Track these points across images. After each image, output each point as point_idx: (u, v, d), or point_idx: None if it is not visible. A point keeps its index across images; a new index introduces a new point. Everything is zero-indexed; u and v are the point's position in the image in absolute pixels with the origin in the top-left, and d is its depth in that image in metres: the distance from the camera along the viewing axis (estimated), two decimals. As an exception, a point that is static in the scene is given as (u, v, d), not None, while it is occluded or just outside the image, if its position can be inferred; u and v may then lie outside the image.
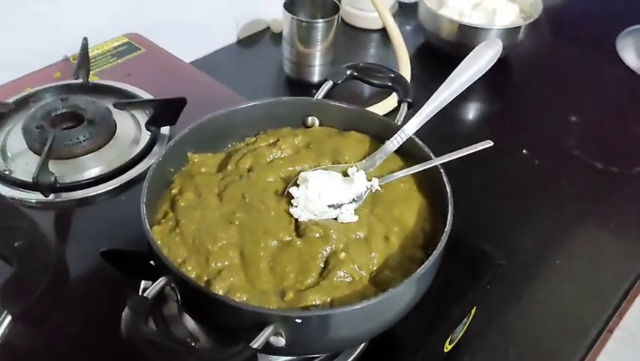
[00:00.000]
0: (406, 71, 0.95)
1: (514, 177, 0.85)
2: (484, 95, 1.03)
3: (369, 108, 0.82)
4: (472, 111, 1.00)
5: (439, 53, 1.04)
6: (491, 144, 0.50)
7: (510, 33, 1.01)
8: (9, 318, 0.33)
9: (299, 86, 0.99)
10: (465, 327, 0.62)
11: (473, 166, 0.83)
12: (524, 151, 0.89)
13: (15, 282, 0.34)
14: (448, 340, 0.59)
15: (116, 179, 0.68)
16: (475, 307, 0.61)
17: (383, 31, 1.00)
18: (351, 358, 0.53)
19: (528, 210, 0.81)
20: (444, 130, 0.89)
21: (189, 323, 0.54)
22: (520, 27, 1.01)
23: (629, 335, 1.62)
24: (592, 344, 0.67)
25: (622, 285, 0.73)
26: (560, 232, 0.78)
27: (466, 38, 0.99)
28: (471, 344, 0.63)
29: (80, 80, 0.79)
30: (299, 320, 0.40)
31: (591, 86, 1.06)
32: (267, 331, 0.39)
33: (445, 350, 0.60)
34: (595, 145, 0.92)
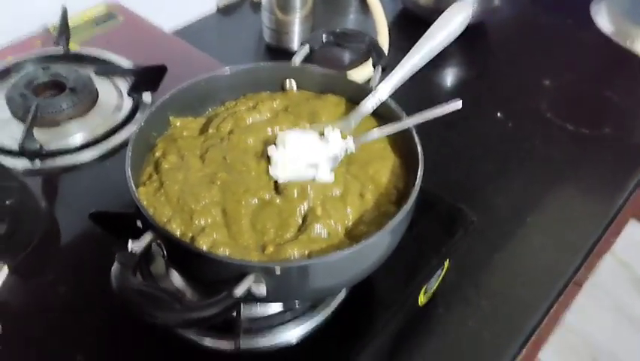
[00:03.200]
0: (384, 37, 0.97)
1: (488, 139, 0.88)
2: (460, 60, 1.05)
3: (351, 73, 0.84)
4: (448, 76, 1.02)
5: (417, 19, 1.04)
6: (460, 103, 0.52)
7: (486, -1, 1.03)
8: (5, 267, 0.35)
9: (279, 53, 1.00)
10: (439, 280, 0.66)
11: (449, 128, 0.86)
12: (499, 114, 0.92)
13: (9, 237, 0.37)
14: (423, 291, 0.62)
15: (100, 145, 0.70)
16: (448, 260, 0.65)
17: (362, -2, 1.02)
18: (330, 308, 0.56)
19: (502, 170, 0.84)
20: (421, 94, 0.91)
21: (176, 280, 0.57)
22: (496, -8, 1.03)
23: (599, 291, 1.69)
24: (558, 295, 0.71)
25: (589, 239, 0.77)
26: (532, 190, 0.81)
27: (443, 4, 0.97)
28: (445, 296, 0.67)
29: (60, 48, 0.80)
30: (278, 271, 0.43)
31: (565, 50, 1.08)
32: (249, 280, 0.42)
33: (420, 303, 0.64)
34: (567, 108, 0.95)
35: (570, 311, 1.43)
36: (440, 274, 0.65)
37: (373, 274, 0.51)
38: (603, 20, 1.13)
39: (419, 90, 0.90)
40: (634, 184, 0.84)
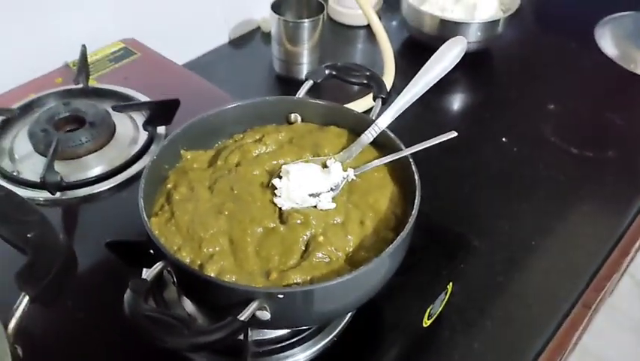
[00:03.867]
0: (390, 66, 0.99)
1: (493, 164, 0.89)
2: (465, 86, 1.07)
3: (350, 105, 0.87)
4: (454, 102, 1.05)
5: (423, 47, 1.06)
6: (455, 134, 0.55)
7: (490, 26, 1.05)
8: (27, 298, 0.38)
9: (288, 83, 1.03)
10: (443, 303, 0.67)
11: (454, 154, 0.88)
12: (503, 139, 0.94)
13: (30, 268, 0.40)
14: (427, 314, 0.64)
15: (117, 176, 0.73)
16: (451, 283, 0.66)
17: (369, 28, 1.04)
18: (335, 332, 0.58)
19: (506, 194, 0.85)
20: (427, 120, 0.94)
21: (188, 305, 0.60)
22: (499, 20, 1.05)
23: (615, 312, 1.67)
24: (563, 317, 0.72)
25: (594, 262, 0.77)
26: (536, 214, 0.82)
27: (447, 32, 1.03)
28: (451, 319, 0.68)
29: (80, 85, 0.84)
30: (281, 296, 0.45)
31: (569, 74, 1.10)
32: (253, 305, 0.44)
33: (425, 325, 0.66)
34: (571, 131, 0.96)
35: (587, 333, 1.42)
36: (444, 298, 0.67)
37: (377, 297, 0.53)
38: (607, 44, 1.15)
39: (425, 115, 0.93)
40: (639, 206, 0.85)
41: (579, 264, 0.77)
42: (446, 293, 0.66)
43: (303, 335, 0.57)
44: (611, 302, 1.64)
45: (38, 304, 0.41)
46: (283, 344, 0.57)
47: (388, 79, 0.97)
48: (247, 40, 1.16)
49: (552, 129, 0.96)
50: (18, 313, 0.38)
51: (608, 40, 1.16)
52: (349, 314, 0.59)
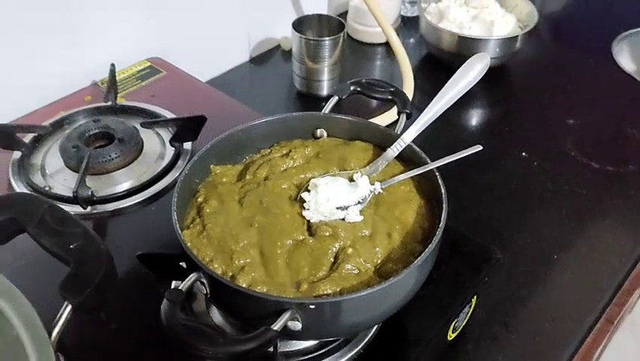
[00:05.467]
0: (408, 82, 1.01)
1: (514, 178, 0.90)
2: (485, 102, 1.09)
3: (374, 119, 0.88)
4: (474, 117, 1.06)
5: (441, 64, 1.09)
6: (480, 148, 0.56)
7: (507, 43, 1.07)
8: (70, 307, 0.40)
9: (309, 100, 1.05)
10: (467, 317, 0.68)
11: (475, 169, 0.89)
12: (524, 153, 0.95)
13: (72, 278, 0.41)
14: (451, 328, 0.64)
15: (145, 191, 0.75)
16: (475, 297, 0.67)
17: (388, 45, 1.06)
18: (361, 345, 0.59)
19: (528, 208, 0.86)
20: (448, 135, 0.95)
21: (216, 317, 0.61)
22: (517, 37, 1.07)
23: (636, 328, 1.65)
24: (588, 332, 0.72)
25: (617, 276, 0.77)
26: (558, 228, 0.83)
27: (465, 49, 1.05)
28: (474, 333, 0.68)
29: (109, 103, 0.86)
30: (312, 306, 0.46)
31: (588, 89, 1.11)
32: (286, 315, 0.45)
33: (449, 338, 0.66)
34: (591, 146, 0.97)
35: (608, 349, 1.40)
36: (468, 311, 0.67)
37: (403, 310, 0.54)
38: (625, 60, 1.16)
39: (445, 130, 0.95)
40: (661, 220, 0.85)
41: (601, 278, 0.77)
42: (470, 306, 0.67)
43: (330, 347, 0.58)
44: (632, 319, 1.62)
45: (81, 313, 0.42)
46: (310, 355, 0.58)
47: (407, 95, 0.99)
48: (267, 58, 1.19)
49: (572, 144, 0.97)
50: (61, 322, 0.40)
51: (625, 56, 1.17)
52: (375, 328, 0.60)
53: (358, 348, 0.59)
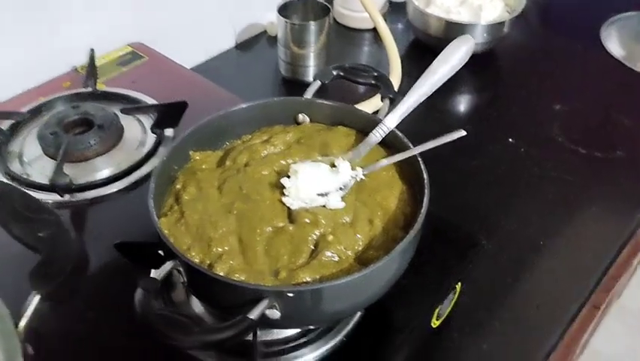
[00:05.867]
0: (396, 68, 1.00)
1: (500, 164, 0.90)
2: (472, 88, 1.08)
3: (360, 105, 0.87)
4: (461, 103, 1.05)
5: (429, 49, 1.07)
6: (464, 133, 0.55)
7: (495, 28, 1.06)
8: (38, 297, 0.39)
9: (295, 85, 1.04)
10: (452, 303, 0.67)
11: (462, 154, 0.88)
12: (510, 139, 0.94)
13: (42, 267, 0.40)
14: (435, 315, 0.64)
15: (125, 179, 0.74)
16: (459, 284, 0.66)
17: (375, 30, 1.05)
18: (344, 332, 0.58)
19: (514, 195, 0.85)
20: (435, 121, 0.95)
21: (196, 306, 0.60)
22: (504, 22, 1.06)
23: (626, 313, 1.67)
24: (573, 318, 0.71)
25: (603, 262, 0.77)
26: (544, 214, 0.82)
27: (453, 34, 1.00)
28: (459, 320, 0.68)
29: (88, 89, 0.84)
30: (290, 294, 0.45)
31: (576, 75, 1.10)
32: (263, 304, 0.44)
33: (434, 325, 0.65)
34: (579, 132, 0.96)
35: (597, 335, 1.41)
36: (452, 298, 0.66)
37: (386, 297, 0.53)
38: (613, 44, 1.15)
39: (432, 115, 0.94)
40: (647, 206, 0.84)
41: (588, 264, 0.77)
42: (455, 293, 0.66)
43: (312, 335, 0.57)
44: (622, 303, 1.63)
45: (50, 302, 0.41)
46: (292, 344, 0.57)
47: (395, 81, 0.97)
48: (253, 43, 1.17)
49: (559, 130, 0.96)
50: (29, 312, 0.39)
51: (614, 41, 1.16)
52: (358, 315, 0.59)
53: (341, 336, 0.58)
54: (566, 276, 0.75)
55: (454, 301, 0.67)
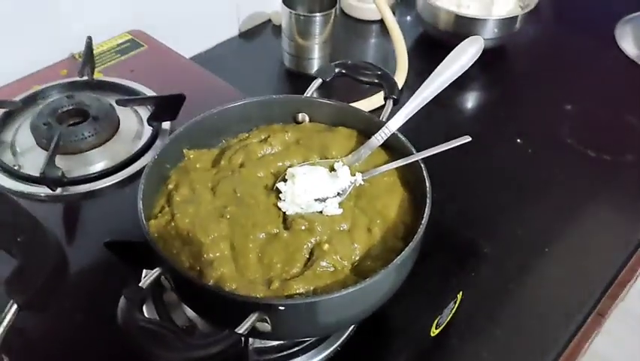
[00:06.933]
0: (402, 62, 0.97)
1: (507, 166, 0.87)
2: (481, 85, 1.05)
3: (359, 102, 0.84)
4: (469, 101, 1.02)
5: (437, 44, 1.04)
6: (469, 139, 0.52)
7: (507, 23, 1.02)
8: (15, 307, 0.37)
9: (298, 78, 1.01)
10: (452, 312, 0.65)
11: (467, 156, 0.84)
12: (518, 140, 0.91)
13: (19, 274, 0.38)
14: (434, 324, 0.62)
15: (121, 172, 0.72)
16: (461, 293, 0.64)
17: (382, 22, 1.02)
18: (339, 341, 0.56)
19: (520, 198, 0.82)
20: (441, 119, 0.92)
21: (188, 310, 0.58)
22: (517, 17, 1.02)
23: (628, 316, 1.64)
24: (577, 328, 0.69)
25: (609, 270, 0.75)
26: (550, 220, 0.80)
27: (463, 29, 1.01)
28: (459, 327, 0.66)
29: (85, 78, 0.82)
30: (282, 308, 0.43)
31: (588, 74, 1.07)
32: (252, 317, 0.42)
33: (432, 334, 0.63)
34: (588, 133, 0.94)
35: (601, 340, 1.39)
36: (453, 307, 0.64)
37: (384, 305, 0.52)
38: (628, 44, 1.11)
39: (438, 113, 0.91)
40: (657, 213, 0.82)
41: (593, 272, 0.75)
42: (455, 302, 0.64)
43: (306, 343, 0.56)
44: (624, 306, 1.61)
45: (29, 311, 0.39)
46: (285, 353, 0.55)
47: (401, 76, 0.95)
48: (257, 33, 1.14)
49: (569, 131, 0.94)
50: (5, 323, 0.37)
51: (628, 40, 1.13)
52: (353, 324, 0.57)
53: (336, 345, 0.57)
54: (571, 283, 0.73)
55: (454, 309, 0.65)
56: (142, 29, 0.95)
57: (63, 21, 0.87)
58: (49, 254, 0.39)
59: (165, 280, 0.47)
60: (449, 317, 0.65)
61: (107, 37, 0.92)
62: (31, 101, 0.79)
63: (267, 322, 0.44)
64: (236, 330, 0.41)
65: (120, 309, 0.41)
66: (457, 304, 0.65)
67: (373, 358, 0.58)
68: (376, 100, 0.87)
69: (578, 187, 0.85)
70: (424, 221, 0.49)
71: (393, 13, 0.99)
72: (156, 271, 0.46)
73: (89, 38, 0.85)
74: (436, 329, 0.63)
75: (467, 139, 0.52)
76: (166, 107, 0.76)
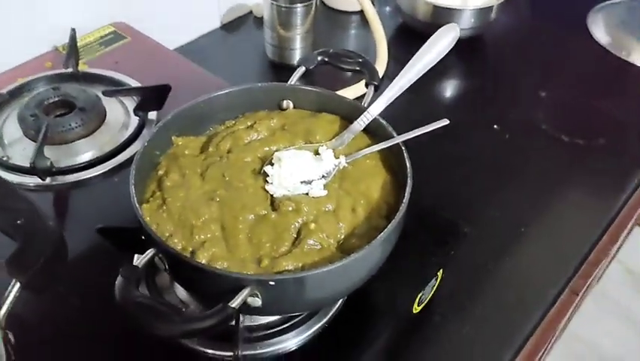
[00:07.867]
0: (382, 52, 0.99)
1: (484, 151, 0.90)
2: (458, 74, 1.07)
3: (344, 90, 0.87)
4: (447, 89, 1.04)
5: (416, 34, 1.06)
6: (447, 122, 0.55)
7: (483, 13, 1.05)
8: (18, 285, 0.38)
9: (281, 68, 1.02)
10: (434, 289, 0.68)
11: (446, 141, 0.87)
12: (495, 126, 0.94)
13: (20, 255, 0.39)
14: (417, 301, 0.64)
15: (108, 162, 0.73)
16: (441, 270, 0.67)
17: (363, 13, 1.04)
18: (326, 318, 0.59)
19: (497, 182, 0.85)
20: (419, 107, 0.94)
21: (180, 292, 0.60)
22: (492, 7, 1.05)
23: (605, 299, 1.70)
24: (552, 303, 0.73)
25: (582, 249, 0.78)
26: (526, 202, 0.82)
27: (440, 19, 1.03)
28: (441, 305, 0.68)
29: (70, 70, 0.83)
30: (272, 283, 0.46)
31: (562, 62, 1.10)
32: (244, 292, 0.44)
33: (415, 311, 0.66)
34: (562, 119, 0.96)
35: (576, 319, 1.44)
36: (434, 284, 0.67)
37: (369, 283, 0.54)
38: (599, 31, 1.15)
39: (417, 102, 0.93)
40: (627, 194, 0.85)
41: (568, 251, 0.78)
42: (436, 280, 0.67)
43: (295, 320, 0.58)
44: (601, 289, 1.66)
45: (29, 291, 0.41)
46: (275, 329, 0.57)
47: (381, 65, 0.97)
48: (239, 24, 1.15)
49: (544, 117, 0.97)
50: (9, 300, 0.38)
51: (600, 28, 1.16)
52: (340, 301, 0.60)
53: (323, 322, 0.59)
54: (546, 262, 0.76)
55: (435, 287, 0.68)
56: (125, 20, 0.96)
57: (46, 13, 0.87)
58: (49, 237, 0.41)
59: (159, 260, 0.49)
60: (430, 295, 0.68)
61: (89, 30, 0.93)
62: (17, 93, 0.80)
63: (257, 297, 0.46)
64: (229, 304, 0.43)
65: (117, 287, 0.43)
66: (438, 282, 0.68)
67: (358, 335, 0.60)
68: (359, 89, 0.89)
69: (552, 170, 0.87)
70: (406, 199, 0.51)
71: (373, 4, 1.01)
72: (150, 252, 0.48)
73: (73, 30, 0.86)
74: (419, 305, 0.66)
75: (445, 122, 0.55)
76: (152, 97, 0.77)
